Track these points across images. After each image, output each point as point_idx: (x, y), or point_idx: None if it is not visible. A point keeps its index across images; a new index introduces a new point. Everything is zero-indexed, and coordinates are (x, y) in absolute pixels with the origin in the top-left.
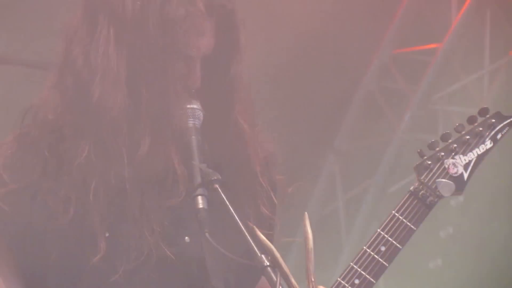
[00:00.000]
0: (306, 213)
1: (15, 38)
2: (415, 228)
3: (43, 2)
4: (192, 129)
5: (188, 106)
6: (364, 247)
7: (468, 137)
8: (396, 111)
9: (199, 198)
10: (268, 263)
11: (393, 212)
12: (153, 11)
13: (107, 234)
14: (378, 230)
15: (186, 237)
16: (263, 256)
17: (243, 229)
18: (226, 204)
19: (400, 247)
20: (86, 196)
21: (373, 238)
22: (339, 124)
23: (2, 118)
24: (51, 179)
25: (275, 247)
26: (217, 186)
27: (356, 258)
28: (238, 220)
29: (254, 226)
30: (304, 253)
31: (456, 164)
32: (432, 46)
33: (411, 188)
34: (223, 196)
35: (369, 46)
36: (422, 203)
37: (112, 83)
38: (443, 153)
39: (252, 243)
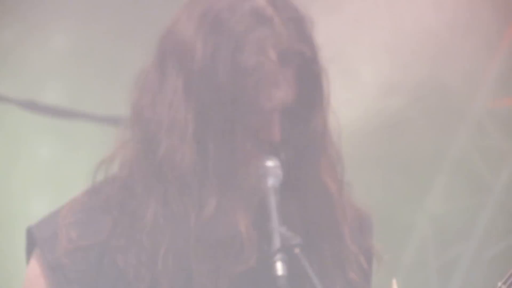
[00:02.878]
0: (394, 280)
1: (80, 90)
2: None
3: (112, 52)
4: (270, 189)
5: (265, 163)
6: None
7: None
8: (493, 170)
9: (279, 264)
10: None
11: (499, 284)
12: (223, 60)
13: None
14: None
15: None
16: None
17: None
18: (307, 270)
19: None
20: (155, 261)
21: None
22: (431, 184)
23: (66, 174)
24: (121, 238)
25: None
26: (298, 251)
27: None
28: None
29: None
30: None
31: None
32: None
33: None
34: (305, 263)
35: (463, 100)
36: None
37: (179, 137)
38: None
39: None
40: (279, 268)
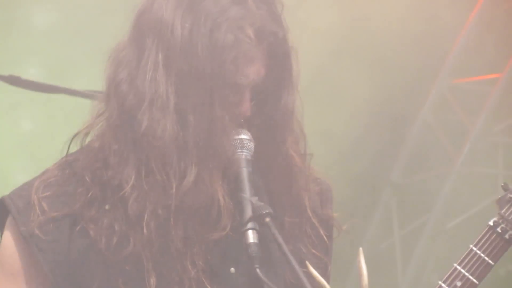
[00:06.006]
0: (360, 248)
1: (60, 66)
2: (493, 263)
3: (91, 28)
4: (243, 161)
5: (238, 136)
6: (440, 282)
7: None
8: (455, 144)
9: (250, 232)
10: None
11: (471, 246)
12: (202, 36)
13: (148, 265)
14: (455, 264)
15: (232, 268)
16: None
17: (295, 265)
18: (278, 239)
19: (477, 283)
20: (137, 229)
21: (449, 273)
22: (395, 156)
23: (48, 147)
24: (93, 208)
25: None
26: (268, 220)
27: None
28: (290, 256)
29: (308, 262)
30: None
31: None
32: (493, 76)
33: (490, 222)
34: (275, 231)
35: (427, 75)
36: (501, 238)
37: (160, 110)
38: None
39: (305, 280)
40: (251, 236)
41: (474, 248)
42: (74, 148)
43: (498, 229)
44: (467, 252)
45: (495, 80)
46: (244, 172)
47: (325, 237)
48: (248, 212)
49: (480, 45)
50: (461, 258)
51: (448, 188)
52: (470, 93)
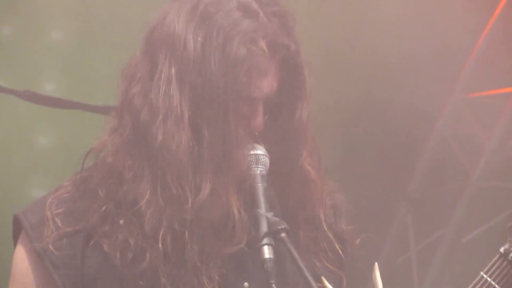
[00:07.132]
0: (376, 263)
1: (76, 81)
2: None
3: (107, 44)
4: (258, 176)
5: (254, 151)
6: None
7: None
8: (471, 158)
9: (266, 248)
10: None
11: (482, 273)
12: (214, 50)
13: (164, 280)
14: None
15: (246, 283)
16: None
17: (311, 281)
18: (293, 254)
19: None
20: (153, 244)
21: None
22: (412, 171)
23: (64, 162)
24: (107, 223)
25: None
26: (283, 235)
27: None
28: (305, 271)
29: (323, 278)
30: None
31: None
32: (508, 90)
33: (501, 249)
34: (290, 247)
35: (442, 90)
36: None
37: (175, 124)
38: None
39: None
40: (266, 251)
41: (485, 276)
42: (88, 164)
43: (509, 257)
44: (477, 279)
45: (510, 94)
46: (260, 187)
47: (340, 251)
48: (264, 228)
49: (495, 59)
50: (472, 285)
51: (464, 202)
52: (485, 107)
